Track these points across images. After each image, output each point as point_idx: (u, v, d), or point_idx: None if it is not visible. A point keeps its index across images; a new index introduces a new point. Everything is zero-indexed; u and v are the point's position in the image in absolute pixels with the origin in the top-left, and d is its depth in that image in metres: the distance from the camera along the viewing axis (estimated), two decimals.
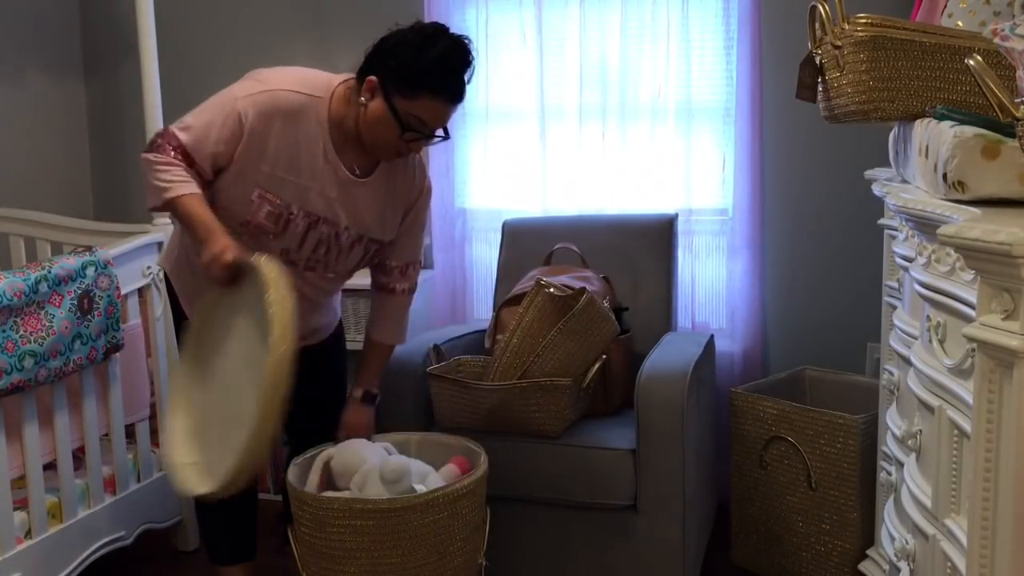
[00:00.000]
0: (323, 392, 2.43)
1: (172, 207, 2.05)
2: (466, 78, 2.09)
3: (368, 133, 2.10)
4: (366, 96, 2.07)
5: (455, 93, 2.08)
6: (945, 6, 2.05)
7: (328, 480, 2.23)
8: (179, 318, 2.34)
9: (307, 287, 2.24)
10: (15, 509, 2.33)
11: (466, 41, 2.08)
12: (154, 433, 2.89)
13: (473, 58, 2.08)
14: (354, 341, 3.24)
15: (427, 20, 3.24)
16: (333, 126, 2.12)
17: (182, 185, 2.04)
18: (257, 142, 2.07)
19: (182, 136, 2.06)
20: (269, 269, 1.90)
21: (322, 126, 2.11)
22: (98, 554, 2.59)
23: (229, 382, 2.06)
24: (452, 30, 2.10)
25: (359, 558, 2.07)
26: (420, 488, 2.12)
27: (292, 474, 2.20)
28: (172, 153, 2.06)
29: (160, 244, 2.86)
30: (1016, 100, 1.28)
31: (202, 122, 2.07)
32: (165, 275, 2.39)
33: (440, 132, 2.13)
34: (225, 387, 2.07)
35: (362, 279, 3.10)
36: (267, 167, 2.09)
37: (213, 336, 2.10)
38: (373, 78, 2.05)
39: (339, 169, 2.14)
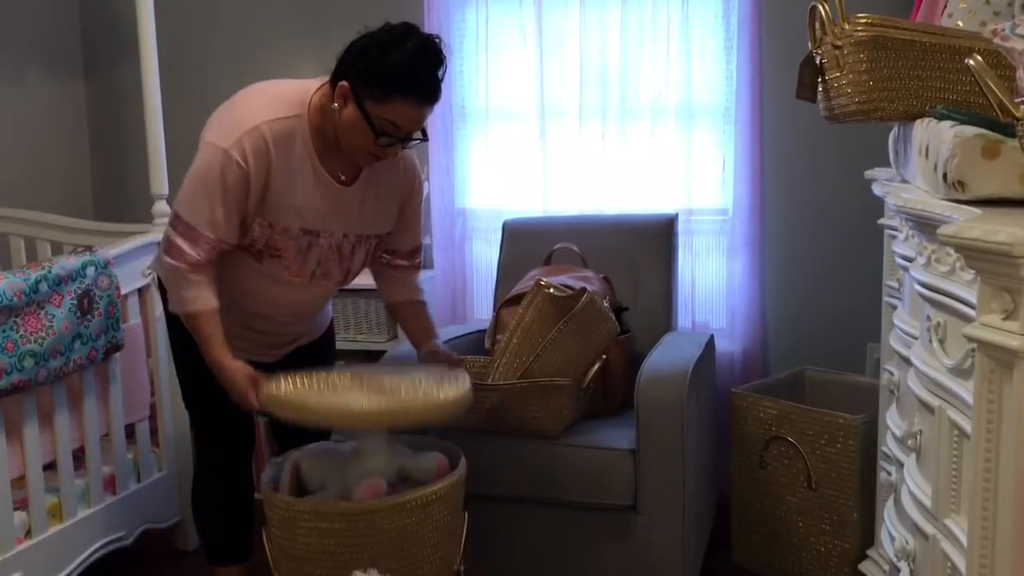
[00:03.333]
0: None
1: (189, 320, 2.10)
2: (439, 76, 2.03)
3: (344, 139, 2.05)
4: (339, 102, 2.02)
5: (428, 93, 2.02)
6: (945, 6, 2.05)
7: (298, 481, 2.19)
8: (172, 318, 2.31)
9: (314, 298, 2.26)
10: (15, 509, 2.34)
11: (436, 39, 2.03)
12: (154, 433, 2.89)
13: (444, 56, 2.03)
14: (354, 341, 3.26)
15: (427, 20, 3.26)
16: (315, 137, 2.08)
17: (198, 300, 2.08)
18: (261, 180, 2.05)
19: (203, 230, 2.04)
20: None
21: (307, 143, 2.08)
22: (98, 554, 2.59)
23: None
24: (425, 30, 2.04)
25: (326, 560, 2.05)
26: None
27: (265, 475, 2.18)
28: (200, 255, 2.05)
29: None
30: (1016, 100, 1.28)
31: (207, 204, 2.03)
32: (158, 278, 2.34)
33: (417, 135, 2.08)
34: None
35: (363, 279, 3.12)
36: (268, 199, 2.08)
37: None
38: (344, 83, 2.00)
39: (328, 180, 2.12)
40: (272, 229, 2.11)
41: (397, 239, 2.35)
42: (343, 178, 2.15)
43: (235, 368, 2.08)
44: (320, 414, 2.04)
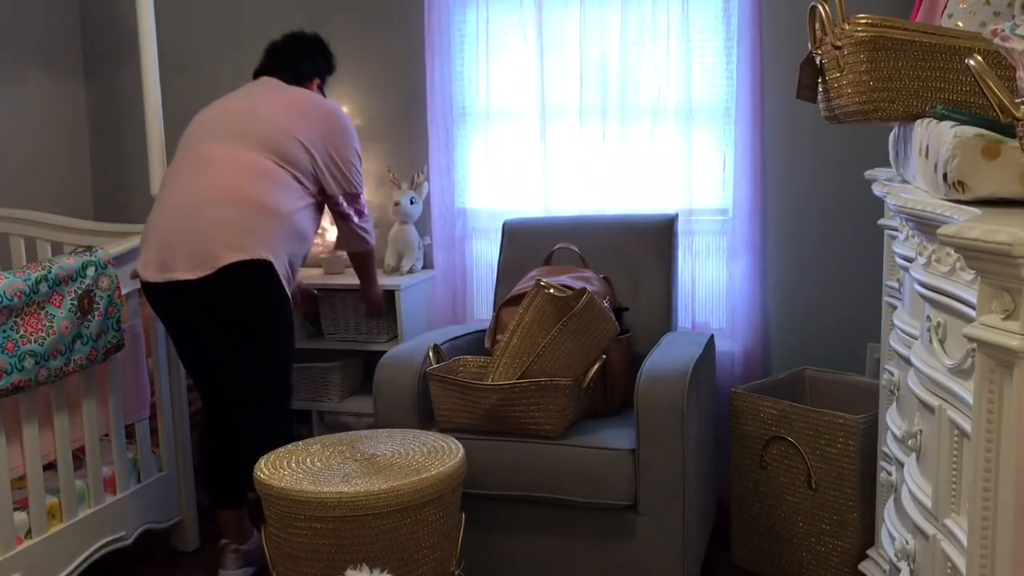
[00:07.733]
0: None
1: (369, 256, 2.96)
2: None
3: None
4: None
5: None
6: (945, 6, 2.05)
7: None
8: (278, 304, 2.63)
9: None
10: (15, 509, 2.34)
11: None
12: (154, 433, 2.89)
13: None
14: (353, 341, 3.26)
15: (428, 20, 3.27)
16: None
17: None
18: None
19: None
20: None
21: None
22: (98, 554, 2.59)
23: None
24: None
25: (321, 560, 2.06)
26: None
27: (264, 469, 2.19)
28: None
29: None
30: (1016, 100, 1.28)
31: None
32: (262, 265, 2.55)
33: None
34: None
35: (348, 279, 3.13)
36: None
37: None
38: (317, 79, 2.91)
39: None
40: None
41: None
42: None
43: None
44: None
